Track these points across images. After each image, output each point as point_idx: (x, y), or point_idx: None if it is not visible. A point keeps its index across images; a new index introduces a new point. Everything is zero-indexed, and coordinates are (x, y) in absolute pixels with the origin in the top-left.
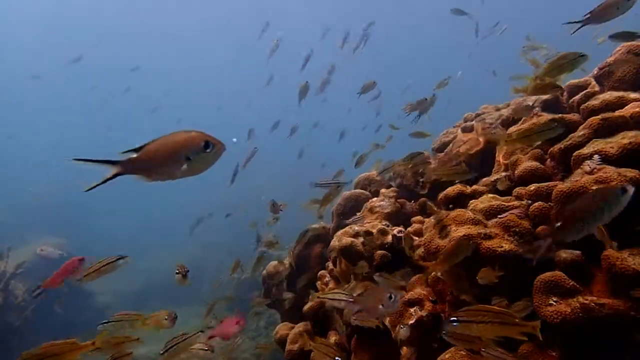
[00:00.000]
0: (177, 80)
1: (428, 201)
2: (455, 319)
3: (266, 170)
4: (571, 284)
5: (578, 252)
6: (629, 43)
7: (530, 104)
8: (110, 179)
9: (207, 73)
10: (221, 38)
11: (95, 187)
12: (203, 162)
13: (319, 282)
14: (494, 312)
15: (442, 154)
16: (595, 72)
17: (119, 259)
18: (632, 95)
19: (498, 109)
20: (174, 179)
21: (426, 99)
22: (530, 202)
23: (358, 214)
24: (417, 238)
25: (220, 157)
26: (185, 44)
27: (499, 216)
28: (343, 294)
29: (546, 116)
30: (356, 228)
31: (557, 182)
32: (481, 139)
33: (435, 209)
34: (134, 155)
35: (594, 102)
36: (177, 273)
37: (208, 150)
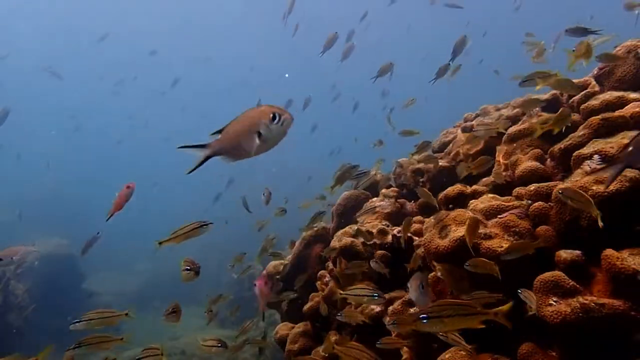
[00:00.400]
0: (187, 67)
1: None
2: (425, 315)
3: (266, 168)
4: (571, 284)
5: (578, 252)
6: (629, 43)
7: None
8: (203, 161)
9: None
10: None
11: (195, 169)
12: (273, 135)
13: (319, 282)
14: (458, 305)
15: (443, 153)
16: (595, 72)
17: (203, 225)
18: (632, 95)
19: (498, 109)
20: (251, 156)
21: (449, 64)
22: (530, 202)
23: (358, 212)
24: (417, 238)
25: (290, 127)
26: (194, 33)
27: (499, 216)
28: (367, 289)
29: (546, 116)
30: (356, 228)
31: (557, 182)
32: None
33: (431, 196)
34: (218, 137)
35: (594, 102)
36: (187, 269)
37: (276, 122)
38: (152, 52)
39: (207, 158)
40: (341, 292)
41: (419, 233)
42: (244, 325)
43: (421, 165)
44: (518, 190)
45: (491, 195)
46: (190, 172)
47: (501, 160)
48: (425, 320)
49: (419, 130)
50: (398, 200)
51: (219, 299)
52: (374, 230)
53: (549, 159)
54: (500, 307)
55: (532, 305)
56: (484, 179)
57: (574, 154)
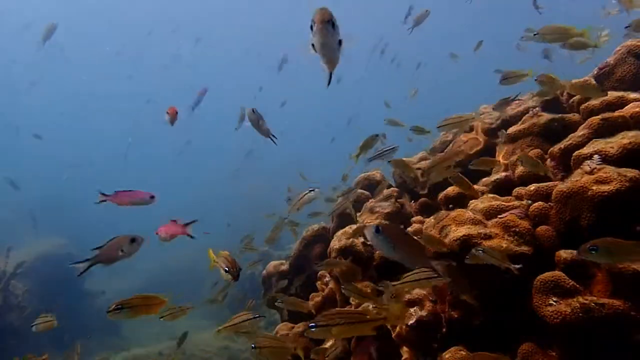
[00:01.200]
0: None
1: (428, 201)
2: (314, 324)
3: (266, 169)
4: (571, 284)
5: None
6: (629, 43)
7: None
8: (330, 77)
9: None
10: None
11: (329, 83)
12: (315, 39)
13: (319, 282)
14: (348, 314)
15: (443, 153)
16: (595, 72)
17: (311, 190)
18: (632, 95)
19: None
20: (326, 57)
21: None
22: (530, 202)
23: (358, 214)
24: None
25: (319, 24)
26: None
27: (499, 216)
28: (425, 271)
29: (546, 116)
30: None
31: (557, 182)
32: (480, 139)
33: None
34: None
35: (594, 102)
36: (226, 270)
37: (312, 30)
38: (198, 40)
39: (330, 75)
40: (394, 283)
41: (419, 233)
42: (247, 304)
43: (421, 164)
44: (518, 190)
45: (491, 195)
46: (328, 85)
47: (501, 160)
48: (313, 329)
49: (405, 124)
50: (398, 200)
51: (225, 289)
52: None
53: (549, 159)
54: (388, 311)
55: (493, 261)
56: (484, 179)
57: (574, 154)
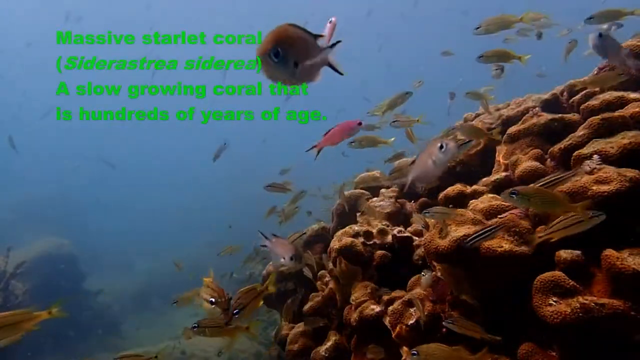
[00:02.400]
0: None
1: (428, 201)
2: (237, 310)
3: (268, 169)
4: (571, 284)
5: (578, 252)
6: (629, 43)
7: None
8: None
9: None
10: None
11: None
12: None
13: (319, 282)
14: (247, 292)
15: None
16: (595, 72)
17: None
18: (632, 95)
19: (498, 109)
20: None
21: None
22: None
23: (358, 214)
24: (417, 238)
25: None
26: None
27: (499, 216)
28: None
29: (546, 116)
30: (356, 228)
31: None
32: (481, 140)
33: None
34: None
35: (594, 102)
36: (212, 303)
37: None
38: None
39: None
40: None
41: (419, 233)
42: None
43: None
44: None
45: (491, 195)
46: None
47: (501, 161)
48: (236, 315)
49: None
50: (398, 200)
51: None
52: (374, 230)
53: (549, 159)
54: (267, 283)
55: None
56: (484, 179)
57: (574, 154)
